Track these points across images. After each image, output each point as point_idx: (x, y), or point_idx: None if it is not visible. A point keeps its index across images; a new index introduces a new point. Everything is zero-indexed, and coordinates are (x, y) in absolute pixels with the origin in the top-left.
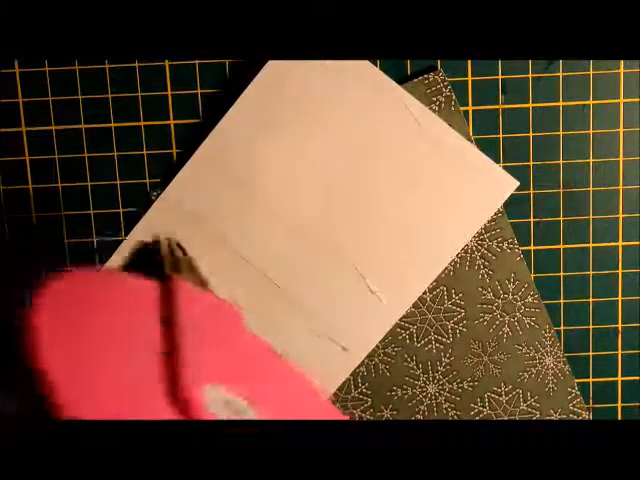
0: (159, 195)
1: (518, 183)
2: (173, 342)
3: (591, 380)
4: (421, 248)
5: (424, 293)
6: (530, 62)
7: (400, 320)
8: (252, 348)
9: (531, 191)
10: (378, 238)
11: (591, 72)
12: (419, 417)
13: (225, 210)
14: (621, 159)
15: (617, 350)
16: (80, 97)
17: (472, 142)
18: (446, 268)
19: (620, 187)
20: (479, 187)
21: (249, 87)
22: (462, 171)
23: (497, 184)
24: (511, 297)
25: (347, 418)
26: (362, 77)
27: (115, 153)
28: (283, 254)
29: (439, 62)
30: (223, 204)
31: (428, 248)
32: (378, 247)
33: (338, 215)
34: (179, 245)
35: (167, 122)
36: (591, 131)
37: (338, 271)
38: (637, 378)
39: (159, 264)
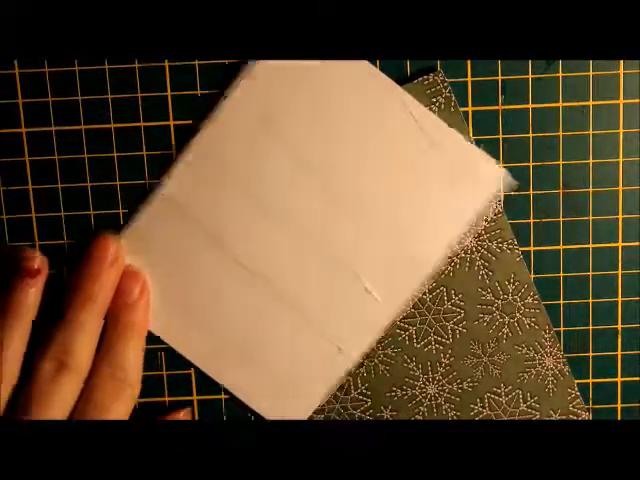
0: (159, 196)
1: (517, 183)
2: None
3: (591, 381)
4: (417, 247)
5: (424, 294)
6: (530, 63)
7: (400, 321)
8: None
9: (531, 192)
10: (375, 237)
11: (591, 73)
12: (419, 418)
13: (222, 210)
14: (621, 160)
15: (617, 351)
16: (80, 98)
17: (472, 142)
18: (445, 269)
19: (620, 188)
20: (477, 187)
21: (245, 86)
22: (461, 171)
23: (496, 184)
24: (511, 298)
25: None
26: (361, 77)
27: (115, 154)
28: (279, 253)
29: (439, 63)
30: (220, 204)
31: (424, 247)
32: (374, 246)
33: (334, 214)
34: None
35: (167, 123)
36: (591, 132)
37: (333, 269)
38: (637, 379)
39: None
